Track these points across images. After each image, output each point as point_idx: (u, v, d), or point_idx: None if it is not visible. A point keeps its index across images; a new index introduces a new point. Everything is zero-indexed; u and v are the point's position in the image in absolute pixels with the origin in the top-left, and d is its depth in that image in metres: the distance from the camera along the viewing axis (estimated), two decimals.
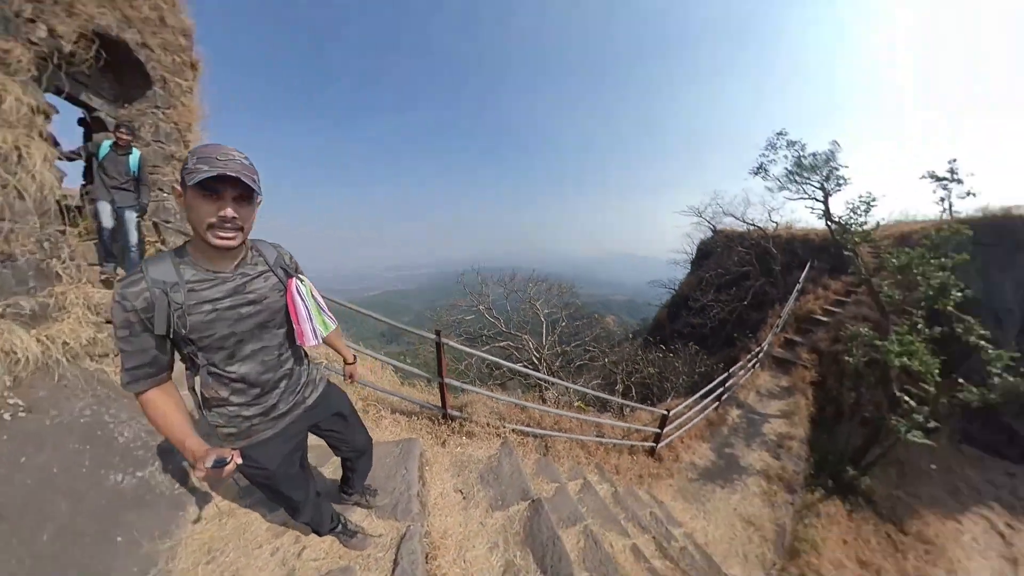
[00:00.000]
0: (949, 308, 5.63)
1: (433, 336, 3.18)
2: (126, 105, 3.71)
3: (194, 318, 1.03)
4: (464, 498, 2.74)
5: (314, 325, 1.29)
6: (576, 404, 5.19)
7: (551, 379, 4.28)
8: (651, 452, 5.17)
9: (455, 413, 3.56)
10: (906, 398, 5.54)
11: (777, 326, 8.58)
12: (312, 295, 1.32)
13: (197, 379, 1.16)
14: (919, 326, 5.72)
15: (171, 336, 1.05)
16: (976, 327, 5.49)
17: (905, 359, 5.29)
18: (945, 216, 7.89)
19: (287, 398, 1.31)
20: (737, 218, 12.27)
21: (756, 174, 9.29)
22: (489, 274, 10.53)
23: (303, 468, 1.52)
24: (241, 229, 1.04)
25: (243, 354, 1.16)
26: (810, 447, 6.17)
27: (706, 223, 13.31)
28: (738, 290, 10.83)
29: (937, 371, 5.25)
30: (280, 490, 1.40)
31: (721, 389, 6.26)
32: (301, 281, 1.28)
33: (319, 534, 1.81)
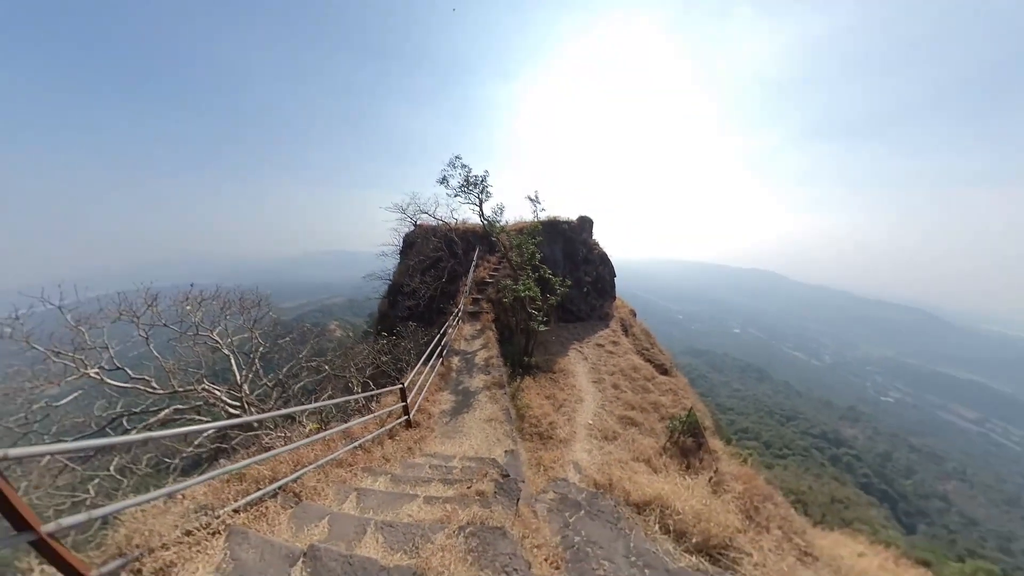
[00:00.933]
0: (536, 263, 10.47)
1: None
2: None
3: None
4: None
5: None
6: (309, 428, 4.43)
7: (250, 417, 3.13)
8: (408, 424, 5.49)
9: (106, 571, 2.05)
10: (534, 312, 9.54)
11: (466, 292, 11.68)
12: None
13: None
14: (530, 274, 10.05)
15: None
16: (546, 270, 10.56)
17: (528, 292, 9.36)
18: (535, 219, 13.46)
19: None
20: (430, 215, 14.77)
21: (440, 183, 11.49)
22: (98, 307, 6.12)
23: None
24: None
25: None
26: (503, 358, 9.01)
27: (408, 219, 15.02)
28: (436, 271, 13.23)
29: (539, 294, 9.56)
30: None
31: (440, 347, 7.64)
32: None
33: None
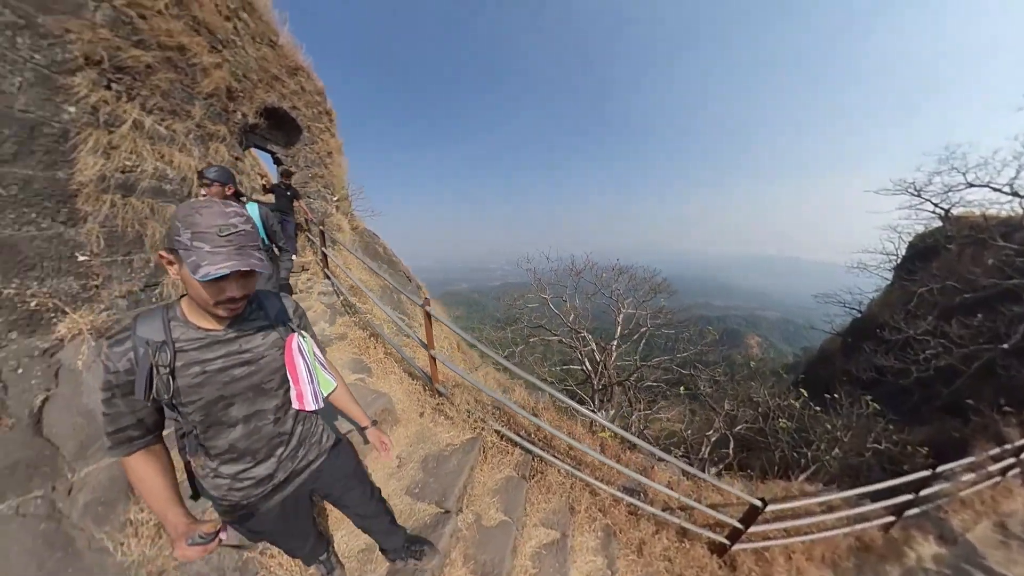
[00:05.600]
0: None
1: (420, 303, 2.86)
2: (290, 147, 4.82)
3: (180, 381, 0.86)
4: (397, 466, 2.48)
5: (315, 388, 1.08)
6: (600, 434, 3.71)
7: (578, 408, 2.72)
8: (721, 550, 3.06)
9: (441, 389, 3.09)
10: None
11: None
12: (313, 352, 1.11)
13: (185, 446, 0.98)
14: None
15: (154, 400, 0.87)
16: None
17: None
18: None
19: (286, 465, 1.08)
20: (999, 188, 6.19)
21: None
22: (559, 263, 9.09)
23: (307, 526, 1.33)
24: (247, 297, 0.88)
25: (231, 420, 0.95)
26: None
27: (931, 204, 7.43)
28: (989, 319, 5.50)
29: None
30: (278, 544, 1.31)
31: (911, 496, 3.34)
32: (303, 338, 1.07)
33: (304, 563, 1.61)
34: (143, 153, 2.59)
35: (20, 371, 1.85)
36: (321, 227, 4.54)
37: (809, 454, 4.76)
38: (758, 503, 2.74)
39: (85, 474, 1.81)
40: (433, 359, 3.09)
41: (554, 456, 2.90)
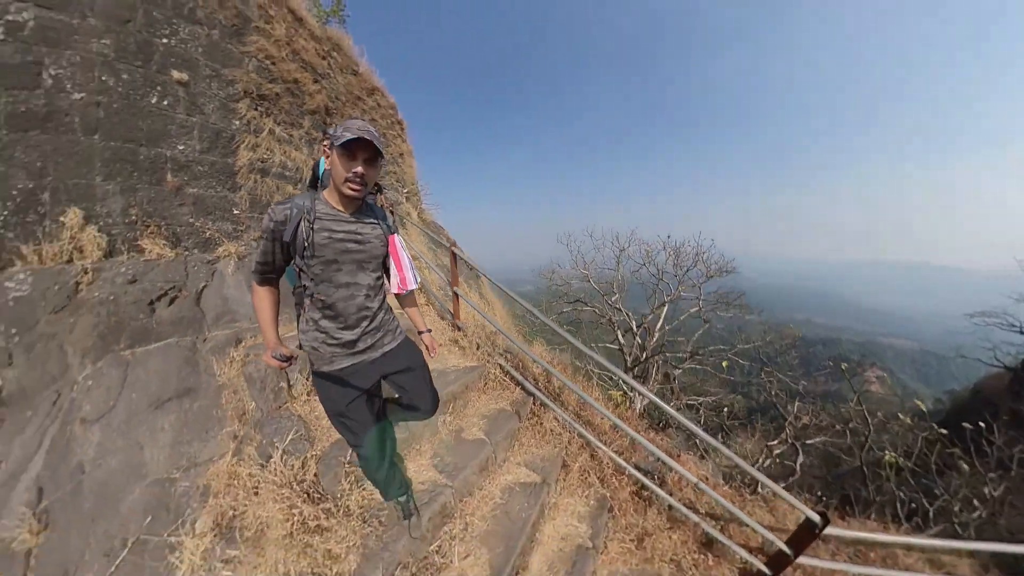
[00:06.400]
0: None
1: (448, 246, 3.45)
2: None
3: (315, 237, 1.18)
4: None
5: (414, 272, 1.44)
6: (610, 392, 3.22)
7: (599, 359, 2.39)
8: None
9: (460, 325, 3.52)
10: None
11: None
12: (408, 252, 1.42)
13: (304, 300, 1.27)
14: None
15: (294, 246, 1.18)
16: None
17: None
18: None
19: (366, 339, 1.33)
20: None
21: None
22: (602, 239, 8.41)
23: (375, 416, 1.42)
24: (365, 184, 1.18)
25: (337, 281, 1.24)
26: None
27: None
28: None
29: None
30: (345, 422, 1.35)
31: None
32: (401, 238, 1.42)
33: (383, 496, 1.71)
34: (273, 150, 3.91)
35: (196, 269, 3.05)
36: (391, 210, 5.66)
37: (932, 510, 2.95)
38: (815, 518, 1.82)
39: (214, 335, 2.86)
40: (456, 295, 3.53)
41: (556, 404, 2.77)
